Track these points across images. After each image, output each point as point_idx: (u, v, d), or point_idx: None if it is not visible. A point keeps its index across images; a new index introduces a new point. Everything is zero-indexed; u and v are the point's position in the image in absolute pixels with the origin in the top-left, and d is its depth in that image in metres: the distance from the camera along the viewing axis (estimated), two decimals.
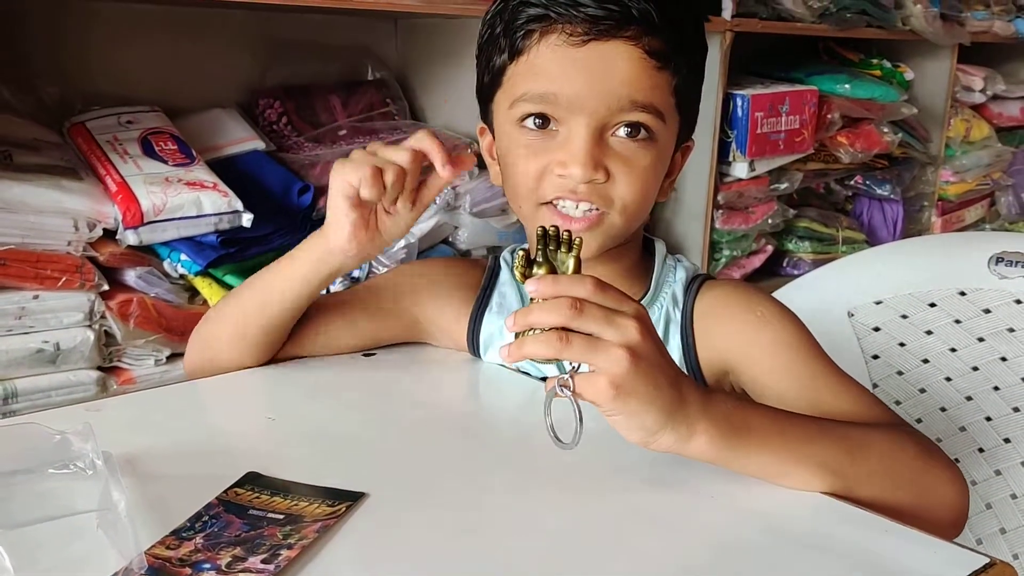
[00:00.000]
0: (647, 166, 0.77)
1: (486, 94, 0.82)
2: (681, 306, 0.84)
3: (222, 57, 1.69)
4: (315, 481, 0.61)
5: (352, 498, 0.59)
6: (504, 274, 0.90)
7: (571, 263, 0.61)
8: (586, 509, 0.61)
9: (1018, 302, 1.16)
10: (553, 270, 0.61)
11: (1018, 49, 2.66)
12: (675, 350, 0.82)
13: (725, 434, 0.61)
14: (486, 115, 0.84)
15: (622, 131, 0.75)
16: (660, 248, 0.87)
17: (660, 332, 0.82)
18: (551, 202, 0.77)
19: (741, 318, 0.81)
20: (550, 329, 0.57)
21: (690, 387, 0.61)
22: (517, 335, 0.59)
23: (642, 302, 0.81)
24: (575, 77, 0.74)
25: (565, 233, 0.62)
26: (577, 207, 0.76)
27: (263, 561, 0.52)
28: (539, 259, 0.61)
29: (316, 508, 0.58)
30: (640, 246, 0.87)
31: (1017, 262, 1.17)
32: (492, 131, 0.84)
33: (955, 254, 1.23)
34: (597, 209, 0.76)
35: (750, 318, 0.81)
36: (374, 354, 0.87)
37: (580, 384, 0.58)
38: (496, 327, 0.86)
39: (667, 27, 0.74)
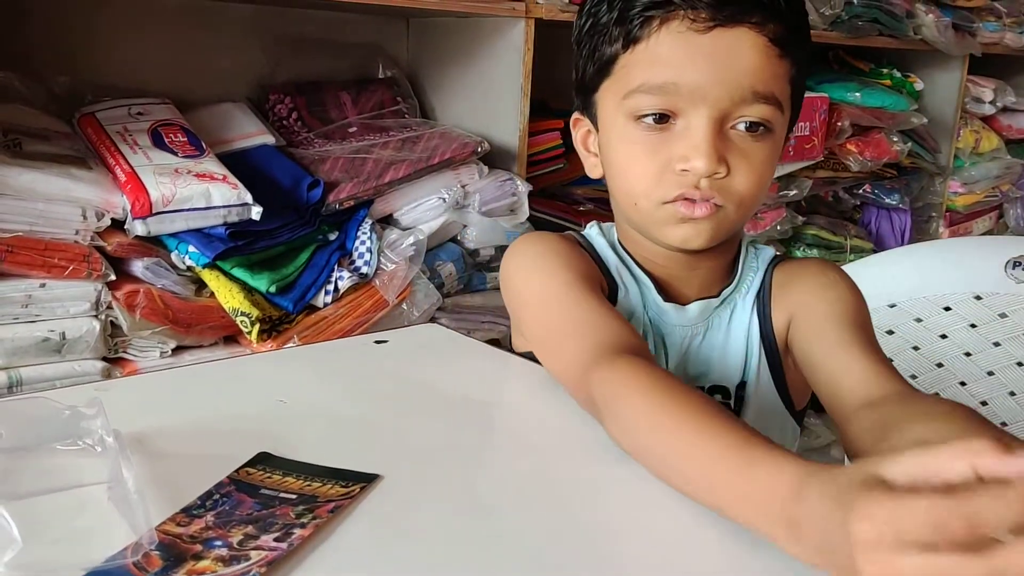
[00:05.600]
0: (764, 159, 0.74)
1: (590, 85, 0.79)
2: (761, 280, 0.84)
3: (234, 51, 1.69)
4: (327, 463, 0.60)
5: (366, 479, 0.58)
6: (607, 252, 0.84)
7: None
8: (606, 493, 0.59)
9: None
10: None
11: None
12: (747, 319, 0.83)
13: None
14: (587, 107, 0.81)
15: (742, 125, 0.73)
16: (744, 237, 0.87)
17: (744, 310, 0.83)
18: (674, 199, 0.74)
19: (812, 280, 0.82)
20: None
21: None
22: None
23: (728, 287, 0.83)
24: (699, 65, 0.71)
25: None
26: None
27: (276, 539, 0.50)
28: None
29: (330, 489, 0.57)
30: (737, 238, 0.85)
31: None
32: (594, 123, 0.81)
33: (970, 258, 1.22)
34: (717, 204, 0.74)
35: (821, 280, 0.81)
36: (387, 341, 0.86)
37: None
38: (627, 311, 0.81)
39: (790, 12, 0.72)
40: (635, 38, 0.73)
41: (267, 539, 0.50)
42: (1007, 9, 2.50)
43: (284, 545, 0.50)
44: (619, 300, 0.82)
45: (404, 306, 1.51)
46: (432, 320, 1.55)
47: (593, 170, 0.83)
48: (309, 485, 0.57)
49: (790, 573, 0.49)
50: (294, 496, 0.56)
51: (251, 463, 0.60)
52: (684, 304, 0.83)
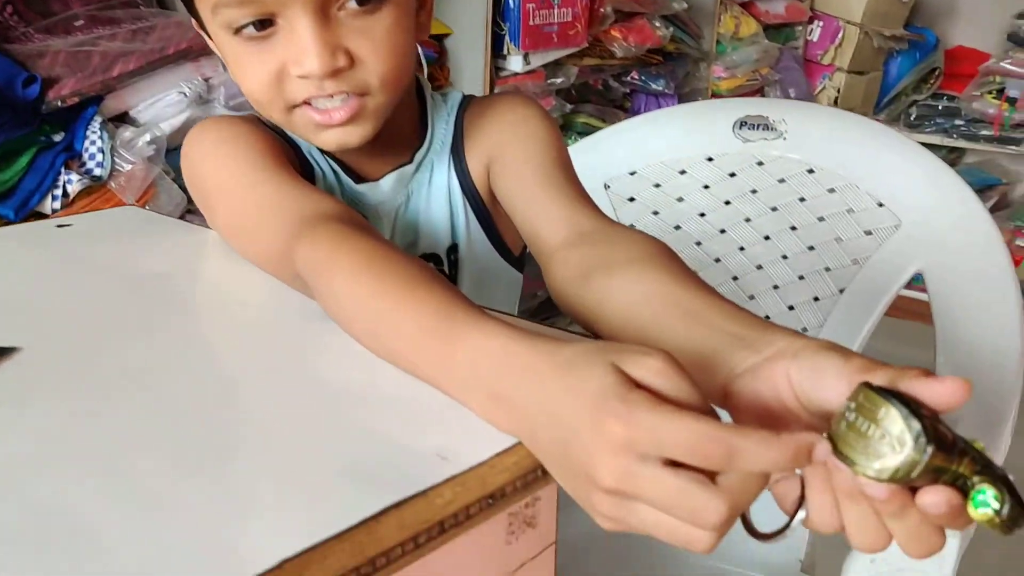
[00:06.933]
0: (389, 29, 0.66)
1: None
2: (453, 131, 0.80)
3: None
4: None
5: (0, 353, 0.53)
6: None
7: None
8: (259, 354, 0.56)
9: (760, 164, 1.19)
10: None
11: None
12: (446, 177, 0.79)
13: None
14: (193, 15, 0.71)
15: (351, 3, 0.65)
16: (426, 87, 0.81)
17: (441, 169, 0.79)
18: (304, 102, 0.67)
19: (502, 118, 0.79)
20: None
21: None
22: None
23: (421, 149, 0.78)
24: None
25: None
26: (333, 99, 0.67)
27: None
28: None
29: None
30: (414, 96, 0.79)
31: (759, 125, 1.20)
32: (207, 33, 0.71)
33: (702, 122, 1.25)
34: (355, 96, 0.67)
35: (511, 118, 0.78)
36: (71, 224, 0.79)
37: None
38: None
39: None
40: None
41: None
42: None
43: None
44: (315, 182, 0.76)
45: (147, 209, 1.42)
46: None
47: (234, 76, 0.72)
48: None
49: None
50: None
51: None
52: (378, 179, 0.78)
